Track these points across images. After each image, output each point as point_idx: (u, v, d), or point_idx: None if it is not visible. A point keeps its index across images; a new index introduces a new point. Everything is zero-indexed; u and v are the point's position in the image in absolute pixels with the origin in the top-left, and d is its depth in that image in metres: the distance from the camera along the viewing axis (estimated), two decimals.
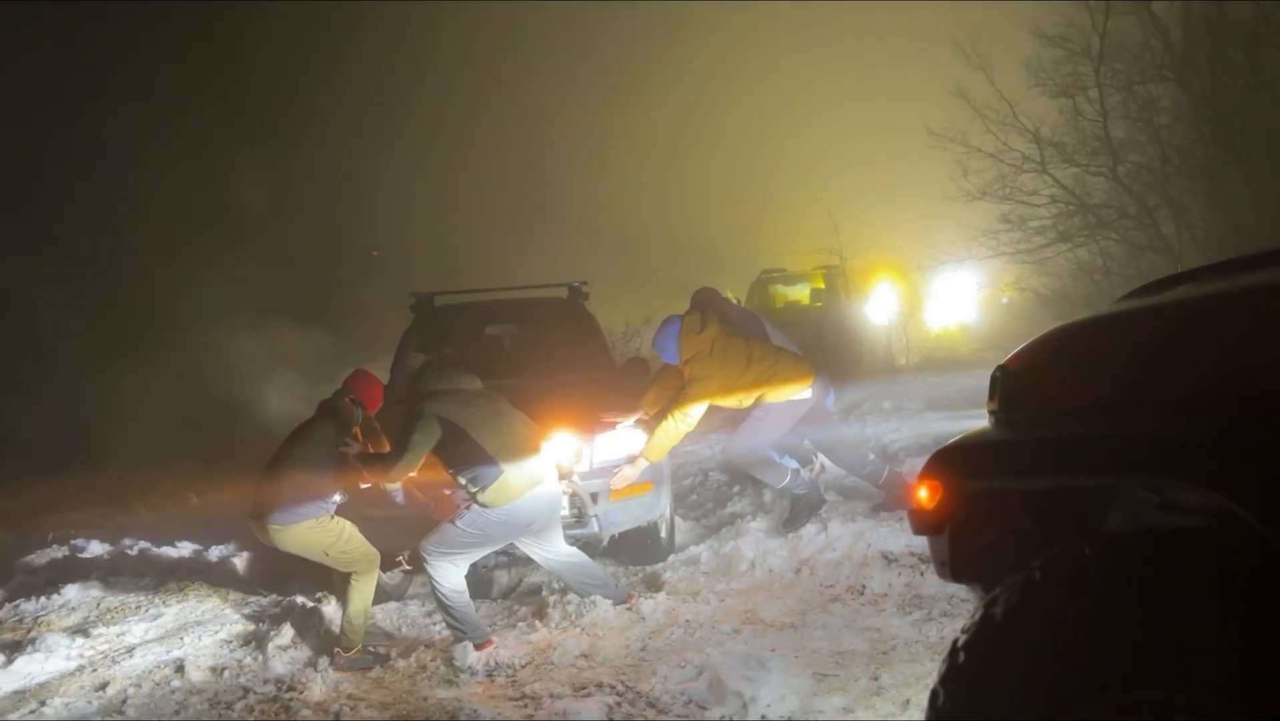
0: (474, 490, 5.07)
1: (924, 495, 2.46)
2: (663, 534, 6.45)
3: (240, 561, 7.01)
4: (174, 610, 6.01)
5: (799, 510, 6.54)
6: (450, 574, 5.11)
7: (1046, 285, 18.63)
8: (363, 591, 5.22)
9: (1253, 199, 14.52)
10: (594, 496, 5.82)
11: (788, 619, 5.04)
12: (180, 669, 5.01)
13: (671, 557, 6.36)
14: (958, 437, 2.57)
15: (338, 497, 5.28)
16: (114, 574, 6.68)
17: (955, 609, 4.90)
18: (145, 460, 10.39)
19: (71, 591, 6.27)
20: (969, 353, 22.23)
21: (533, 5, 28.01)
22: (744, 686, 4.05)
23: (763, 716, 3.92)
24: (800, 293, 18.44)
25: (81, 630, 5.65)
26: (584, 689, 4.35)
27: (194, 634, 5.57)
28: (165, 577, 6.58)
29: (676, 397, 6.08)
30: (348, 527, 5.28)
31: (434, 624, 5.59)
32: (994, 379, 2.54)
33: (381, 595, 5.69)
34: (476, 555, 5.24)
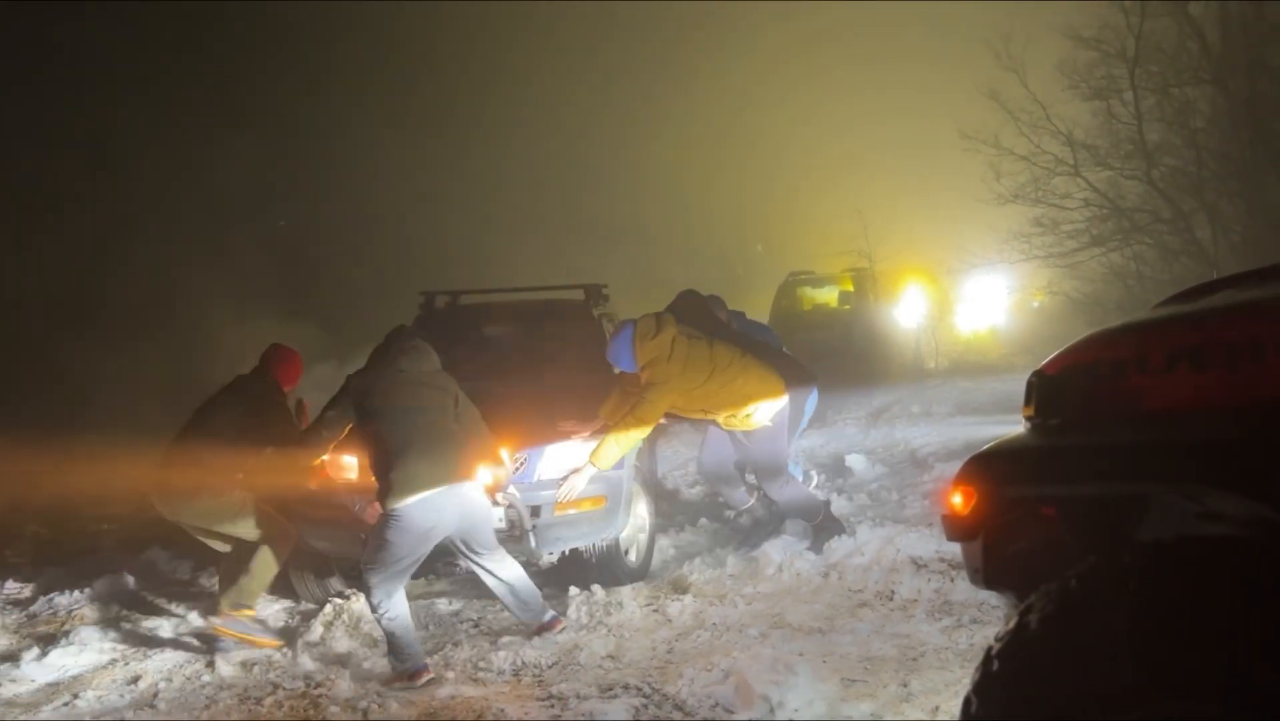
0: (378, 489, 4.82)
1: (958, 501, 2.44)
2: (631, 556, 6.17)
3: None
4: (205, 605, 6.06)
5: (756, 533, 6.41)
6: (383, 595, 4.74)
7: (1079, 289, 18.50)
8: (270, 557, 5.29)
9: None
10: (536, 510, 5.54)
11: (815, 623, 5.01)
12: (211, 664, 5.06)
13: (698, 560, 6.28)
14: (993, 443, 2.54)
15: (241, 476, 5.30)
16: (146, 569, 6.74)
17: (986, 616, 4.86)
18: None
19: (104, 585, 6.33)
20: (999, 357, 22.09)
21: (570, 6, 28.08)
22: (771, 690, 4.04)
23: (790, 720, 3.90)
24: (828, 295, 18.37)
25: (114, 624, 5.71)
26: (610, 690, 4.35)
27: None
28: (197, 573, 6.63)
29: (633, 402, 5.74)
30: (250, 504, 5.29)
31: (460, 622, 5.61)
32: (1030, 384, 2.51)
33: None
34: (401, 568, 4.80)
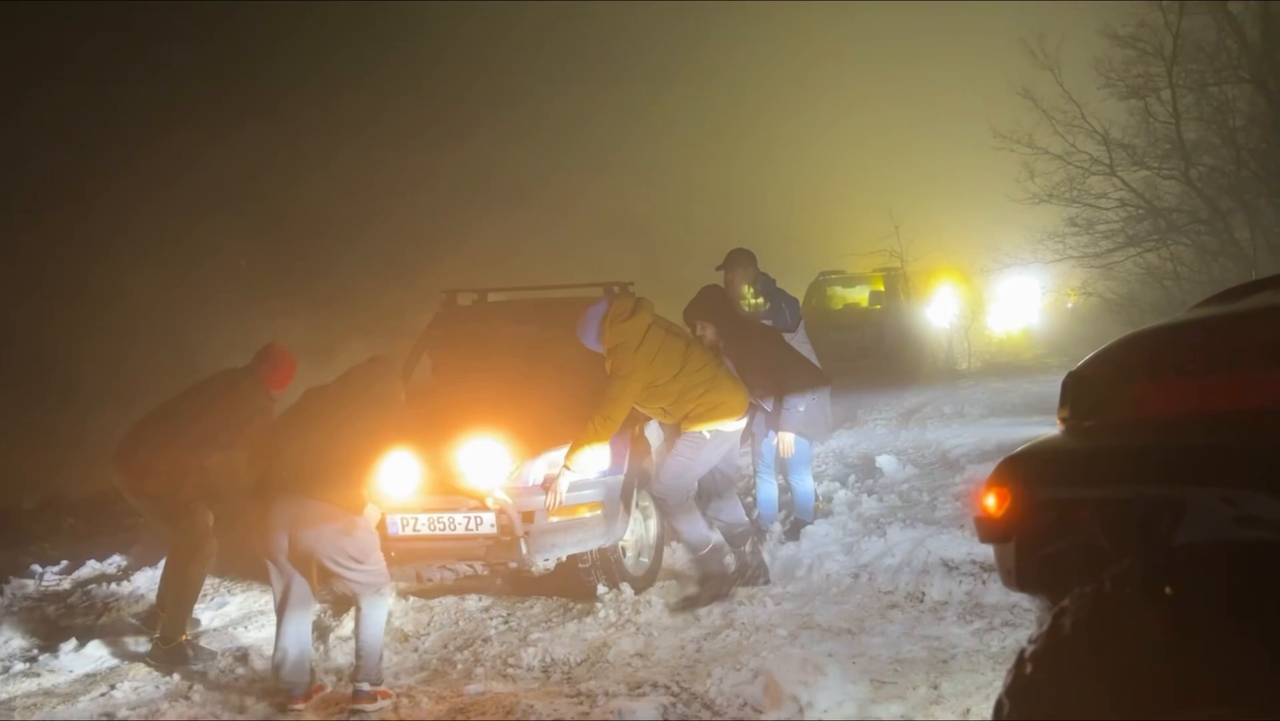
0: None
1: (992, 502, 2.42)
2: (644, 559, 6.06)
3: None
4: (238, 599, 6.14)
5: (704, 588, 5.62)
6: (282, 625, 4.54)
7: (1113, 290, 18.30)
8: (191, 579, 5.23)
9: None
10: (529, 515, 5.40)
11: (845, 624, 4.99)
12: (243, 657, 5.12)
13: (727, 559, 6.24)
14: (1028, 444, 2.53)
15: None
16: None
17: (1018, 619, 4.82)
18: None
19: (140, 579, 6.42)
20: (1032, 358, 21.88)
21: (598, 6, 28.12)
22: (800, 691, 4.03)
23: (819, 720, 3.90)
24: (859, 295, 18.27)
25: (150, 616, 5.77)
26: (639, 688, 4.36)
27: (257, 623, 5.70)
28: (230, 567, 6.70)
29: (598, 399, 5.47)
30: (192, 506, 5.31)
31: (491, 618, 5.64)
32: (1065, 386, 2.50)
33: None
34: (277, 577, 4.53)
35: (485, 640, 5.25)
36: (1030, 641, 2.14)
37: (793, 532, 6.62)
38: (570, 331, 7.28)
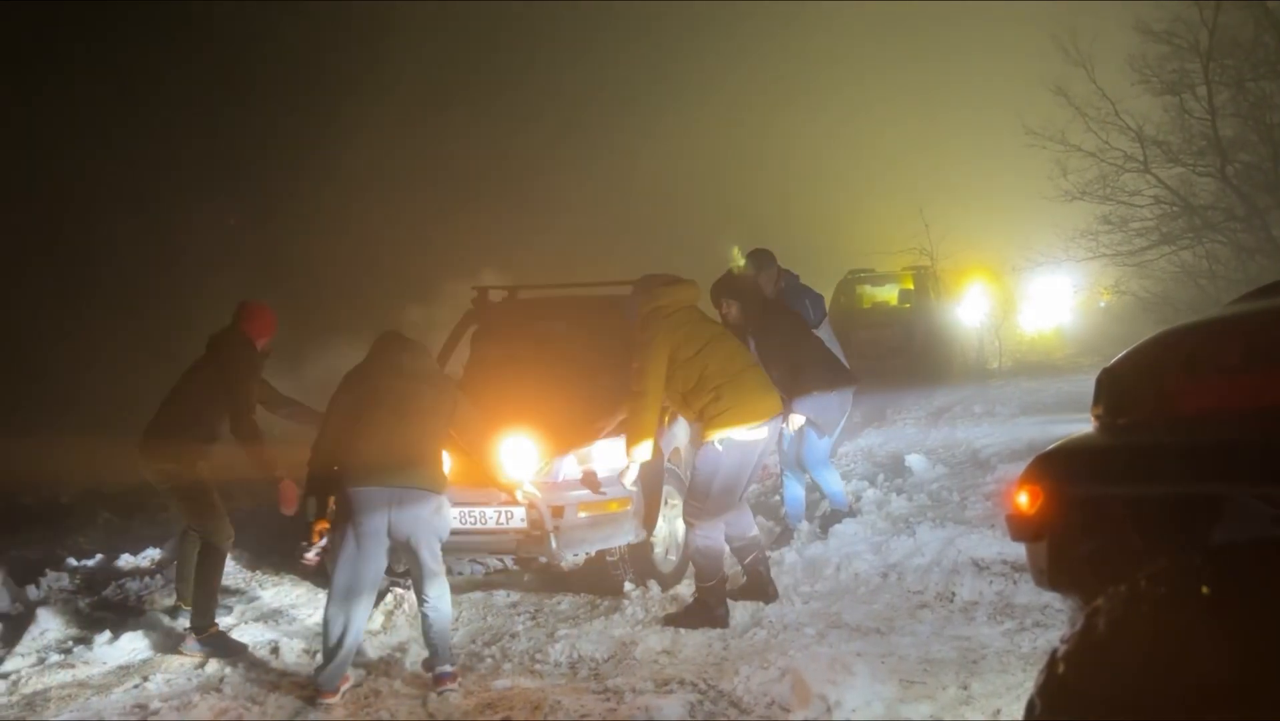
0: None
1: (1024, 500, 2.40)
2: (672, 557, 6.05)
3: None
4: (270, 592, 6.20)
5: (690, 614, 5.28)
6: (337, 609, 4.47)
7: (1147, 289, 18.08)
8: (210, 568, 5.29)
9: None
10: (559, 511, 5.42)
11: (874, 624, 4.97)
12: (275, 650, 5.16)
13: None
14: (1060, 442, 2.50)
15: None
16: None
17: (1049, 619, 4.77)
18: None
19: (173, 571, 6.47)
20: (1063, 357, 21.68)
21: (625, 6, 28.14)
22: (828, 690, 4.01)
23: (847, 720, 3.87)
24: (889, 293, 18.17)
25: (183, 609, 5.84)
26: (666, 685, 4.35)
27: (288, 617, 5.75)
28: (261, 561, 6.77)
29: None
30: (207, 489, 5.37)
31: (518, 614, 5.65)
32: (1099, 382, 2.47)
33: None
34: (356, 577, 4.47)
35: (513, 635, 5.26)
36: (1063, 641, 2.12)
37: (829, 521, 6.64)
38: (601, 328, 7.35)
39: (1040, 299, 24.54)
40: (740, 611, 5.30)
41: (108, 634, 5.29)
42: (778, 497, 7.51)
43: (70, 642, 5.31)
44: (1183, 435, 2.22)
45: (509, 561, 5.73)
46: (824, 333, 6.79)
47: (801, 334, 6.45)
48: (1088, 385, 2.54)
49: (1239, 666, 1.78)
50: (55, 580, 6.53)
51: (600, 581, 5.89)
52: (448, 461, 4.80)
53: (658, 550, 6.01)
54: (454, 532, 5.44)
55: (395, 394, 4.59)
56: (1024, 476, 2.39)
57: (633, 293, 5.57)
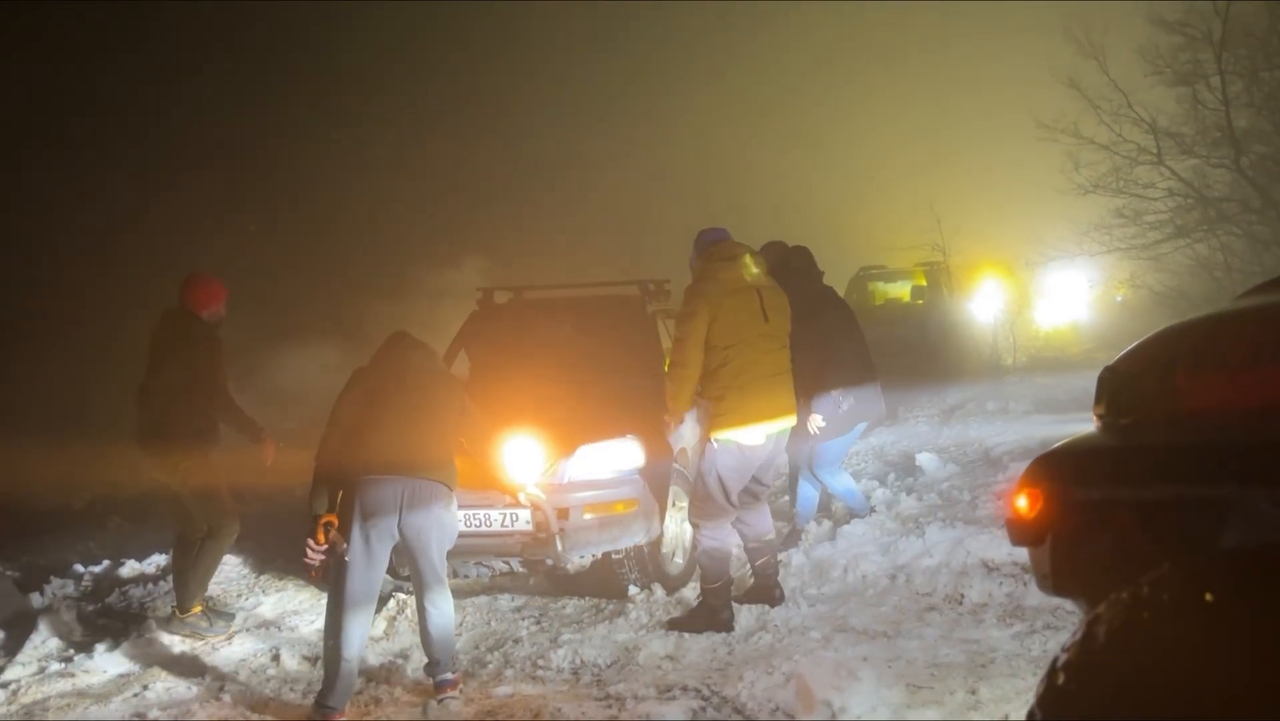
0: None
1: (1024, 504, 2.32)
2: (678, 559, 6.01)
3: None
4: (272, 599, 6.15)
5: (695, 618, 5.17)
6: (341, 621, 4.31)
7: (1162, 282, 17.93)
8: (209, 557, 5.43)
9: None
10: (564, 512, 5.38)
11: (881, 627, 4.88)
12: (276, 657, 5.12)
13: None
14: (1062, 442, 2.42)
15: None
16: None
17: (1060, 621, 4.68)
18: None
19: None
20: (1079, 353, 21.49)
21: (643, 5, 28.12)
22: (833, 695, 3.93)
23: None
24: (901, 290, 18.05)
25: (179, 620, 5.80)
26: (669, 691, 4.29)
27: (290, 623, 5.70)
28: (264, 567, 6.73)
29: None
30: (213, 476, 5.40)
31: (523, 618, 5.59)
32: (1101, 380, 2.39)
33: None
34: (363, 567, 4.33)
35: (516, 640, 5.21)
36: (1064, 649, 2.04)
37: (843, 519, 6.62)
38: (605, 328, 7.30)
39: (1056, 294, 24.34)
40: (745, 615, 5.22)
41: (108, 642, 5.26)
42: (786, 498, 7.43)
43: (71, 651, 5.27)
44: (1189, 435, 2.14)
45: (515, 564, 5.68)
46: None
47: (836, 331, 6.38)
48: None
49: (1242, 678, 1.69)
50: (60, 587, 6.51)
51: (605, 584, 5.82)
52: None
53: (664, 552, 5.95)
54: (459, 535, 5.40)
55: (406, 392, 4.52)
56: (1023, 479, 2.31)
57: (695, 243, 5.35)
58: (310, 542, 4.34)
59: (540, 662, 4.84)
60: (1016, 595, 5.09)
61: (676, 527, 6.10)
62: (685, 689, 4.29)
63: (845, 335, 6.50)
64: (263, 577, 6.57)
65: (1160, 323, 2.48)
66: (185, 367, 5.42)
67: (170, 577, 6.47)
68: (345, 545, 4.32)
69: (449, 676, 4.48)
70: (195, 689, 4.78)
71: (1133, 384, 2.29)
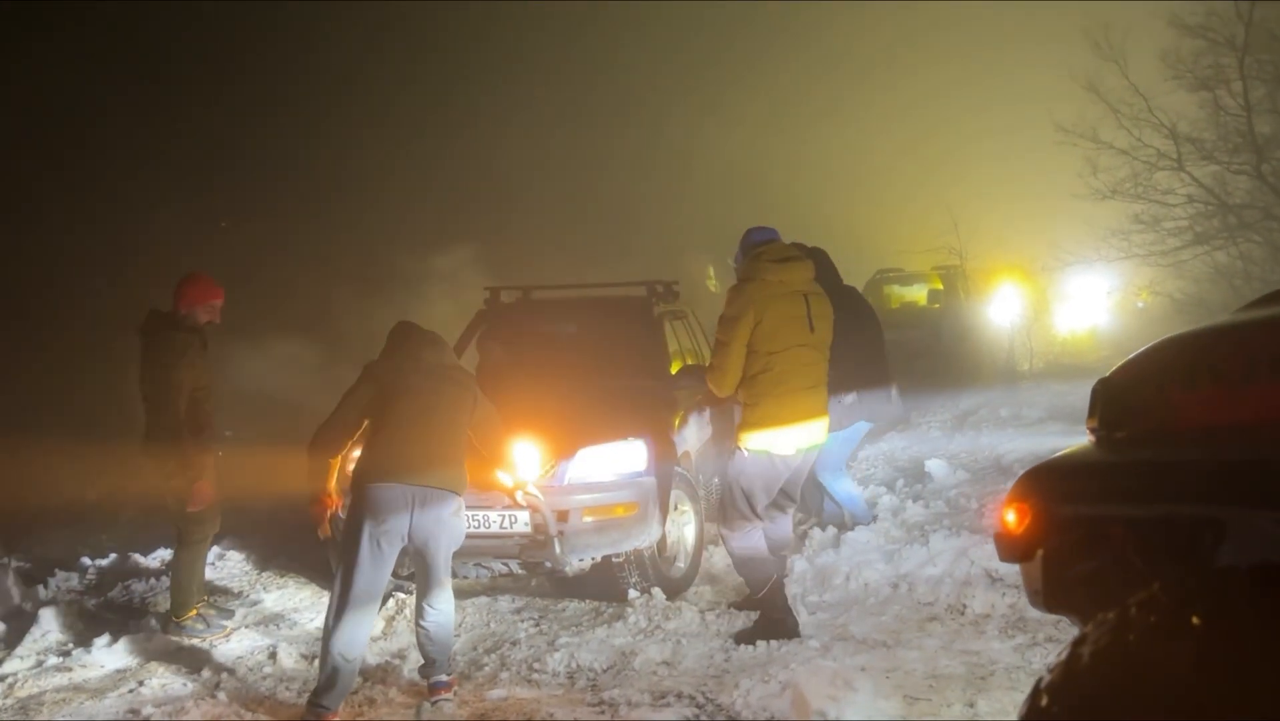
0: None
1: (1012, 519, 2.27)
2: (680, 564, 5.96)
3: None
4: (273, 596, 6.16)
5: (759, 627, 5.03)
6: (341, 623, 4.23)
7: (1182, 290, 17.75)
8: (191, 558, 5.43)
9: None
10: (563, 515, 5.35)
11: (880, 636, 4.83)
12: (273, 655, 5.10)
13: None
14: (1053, 456, 2.37)
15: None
16: (219, 560, 6.87)
17: (1063, 635, 4.61)
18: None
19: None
20: (1098, 359, 21.26)
21: (652, 6, 28.05)
22: (828, 706, 3.88)
23: None
24: (917, 293, 17.95)
25: (175, 623, 5.80)
26: (663, 698, 4.25)
27: (289, 621, 5.70)
28: (266, 564, 6.73)
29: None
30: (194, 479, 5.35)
31: (521, 620, 5.56)
32: (1094, 393, 2.34)
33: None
34: (369, 568, 4.27)
35: (514, 643, 5.18)
36: (1048, 670, 1.99)
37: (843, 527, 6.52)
38: (611, 329, 7.26)
39: (1074, 299, 24.13)
40: (744, 621, 5.18)
41: (107, 636, 5.26)
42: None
43: (70, 645, 5.29)
44: (1181, 451, 2.08)
45: (514, 566, 5.65)
46: None
47: (842, 330, 6.31)
48: None
49: (1227, 705, 1.64)
50: (64, 580, 6.54)
51: (606, 587, 5.78)
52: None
53: (666, 556, 5.91)
54: None
55: (419, 390, 4.43)
56: (1012, 493, 2.26)
57: (741, 243, 5.17)
58: (314, 509, 4.37)
59: (536, 666, 4.81)
60: (1019, 606, 5.01)
61: (677, 532, 6.05)
62: (680, 696, 4.26)
63: (849, 334, 6.38)
64: (264, 574, 6.58)
65: (1179, 331, 2.41)
66: (150, 373, 5.36)
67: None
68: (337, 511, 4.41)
69: (444, 678, 4.45)
70: (191, 685, 4.77)
71: (1126, 397, 2.24)
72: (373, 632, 5.27)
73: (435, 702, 4.38)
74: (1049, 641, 4.58)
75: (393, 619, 5.57)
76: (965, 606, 5.14)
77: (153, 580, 6.48)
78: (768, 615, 4.99)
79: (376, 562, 4.27)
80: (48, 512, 9.10)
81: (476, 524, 5.46)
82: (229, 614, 5.70)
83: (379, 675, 4.83)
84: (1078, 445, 2.35)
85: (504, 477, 4.85)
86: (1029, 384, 16.29)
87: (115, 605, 6.07)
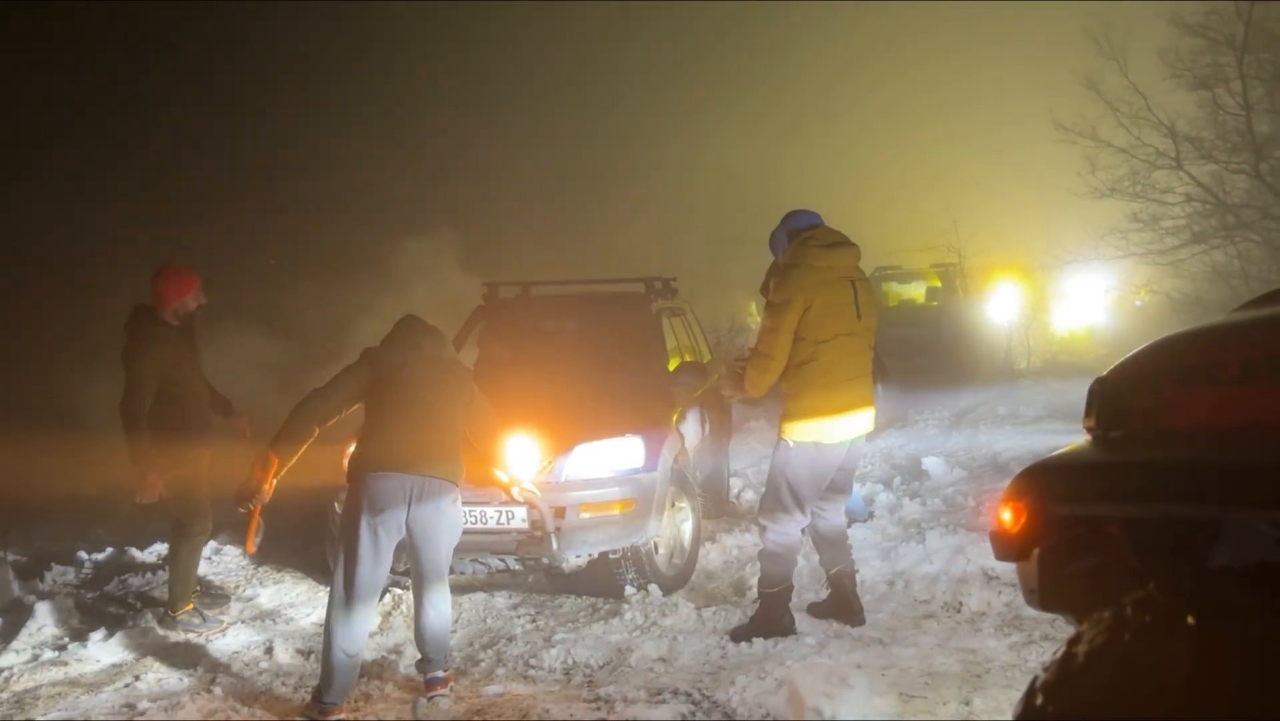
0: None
1: (1008, 518, 2.27)
2: (675, 560, 5.96)
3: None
4: (269, 591, 6.15)
5: (755, 624, 4.96)
6: (342, 616, 4.24)
7: (1179, 289, 17.75)
8: (186, 554, 5.46)
9: None
10: (560, 511, 5.36)
11: (876, 634, 4.84)
12: (269, 650, 5.11)
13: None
14: (1050, 456, 2.37)
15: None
16: (215, 555, 6.86)
17: (1058, 633, 4.61)
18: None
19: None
20: (1095, 358, 21.27)
21: (650, 6, 28.04)
22: (824, 703, 3.87)
23: None
24: (915, 291, 17.98)
25: (170, 617, 5.79)
26: (659, 694, 4.25)
27: (285, 617, 5.69)
28: (263, 559, 6.73)
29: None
30: (186, 482, 5.42)
31: (518, 616, 5.57)
32: (1091, 392, 2.34)
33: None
34: (368, 561, 4.26)
35: (510, 639, 5.18)
36: (1044, 669, 1.98)
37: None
38: (609, 326, 7.25)
39: (1073, 298, 24.14)
40: (740, 618, 5.18)
41: (103, 631, 5.26)
42: None
43: (66, 639, 5.28)
44: (1177, 451, 2.08)
45: (510, 561, 5.65)
46: None
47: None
48: None
49: (1222, 705, 1.64)
50: (61, 574, 6.52)
51: (602, 583, 5.78)
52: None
53: (661, 552, 5.91)
54: None
55: (418, 381, 4.42)
56: (1008, 493, 2.26)
57: (780, 230, 5.02)
58: (241, 488, 4.35)
59: (532, 662, 4.81)
60: (1015, 605, 5.02)
61: (674, 529, 6.05)
62: (676, 692, 4.26)
63: None
64: (261, 570, 6.57)
65: (1174, 329, 2.42)
66: (138, 377, 5.31)
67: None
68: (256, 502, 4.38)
69: (440, 674, 4.45)
70: (187, 680, 4.76)
71: (1123, 397, 2.23)
72: (370, 629, 5.28)
73: (431, 698, 4.38)
74: (1044, 639, 4.59)
75: (389, 614, 5.57)
76: (961, 604, 5.14)
77: (149, 574, 6.47)
78: (766, 611, 4.94)
79: (375, 555, 4.26)
80: (44, 506, 9.10)
81: (473, 519, 5.46)
82: (225, 608, 5.69)
83: (375, 670, 4.83)
84: (1074, 444, 2.34)
85: (499, 474, 4.84)
86: (1027, 382, 16.31)
87: (111, 599, 6.07)
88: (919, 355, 15.14)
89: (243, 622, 5.59)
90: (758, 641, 4.83)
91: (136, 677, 4.77)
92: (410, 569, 4.52)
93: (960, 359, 16.02)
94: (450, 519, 4.40)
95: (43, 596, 5.90)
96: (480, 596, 5.90)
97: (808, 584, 5.71)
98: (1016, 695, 3.94)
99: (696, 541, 6.20)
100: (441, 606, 4.44)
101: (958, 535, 6.02)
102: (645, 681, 4.44)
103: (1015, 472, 6.73)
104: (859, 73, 34.62)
